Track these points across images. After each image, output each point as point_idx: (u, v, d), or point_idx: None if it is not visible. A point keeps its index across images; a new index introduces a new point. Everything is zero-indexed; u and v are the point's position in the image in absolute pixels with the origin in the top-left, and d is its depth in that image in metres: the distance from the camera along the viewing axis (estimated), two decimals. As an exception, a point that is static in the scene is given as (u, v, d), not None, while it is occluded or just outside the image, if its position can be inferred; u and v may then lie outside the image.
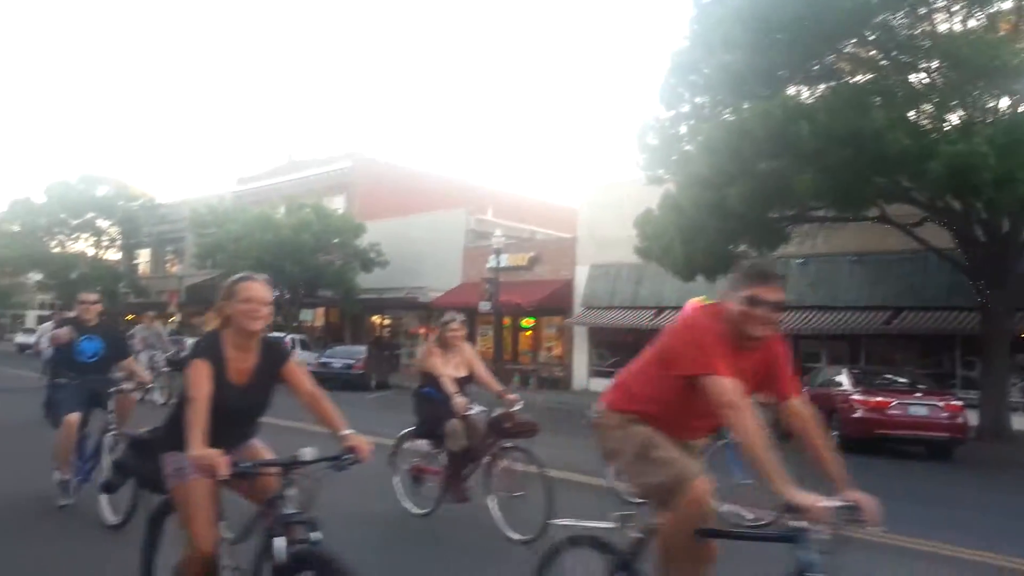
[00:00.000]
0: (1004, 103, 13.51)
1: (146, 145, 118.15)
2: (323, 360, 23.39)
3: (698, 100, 16.22)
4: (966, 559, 6.03)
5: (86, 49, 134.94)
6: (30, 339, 38.89)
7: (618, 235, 24.16)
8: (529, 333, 29.28)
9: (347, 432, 3.20)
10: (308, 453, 2.97)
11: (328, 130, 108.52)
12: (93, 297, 6.70)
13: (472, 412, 6.04)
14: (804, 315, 20.44)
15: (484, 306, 25.30)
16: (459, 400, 5.97)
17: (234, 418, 3.20)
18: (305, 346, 27.28)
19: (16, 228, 44.44)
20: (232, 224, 30.39)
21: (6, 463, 8.10)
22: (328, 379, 21.77)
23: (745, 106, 14.35)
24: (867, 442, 12.91)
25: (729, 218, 14.83)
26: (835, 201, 14.49)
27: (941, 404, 13.24)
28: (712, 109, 15.91)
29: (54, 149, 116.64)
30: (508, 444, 5.95)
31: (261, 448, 3.45)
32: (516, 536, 5.66)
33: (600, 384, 24.34)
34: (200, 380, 3.05)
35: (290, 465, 2.99)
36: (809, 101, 14.39)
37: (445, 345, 6.33)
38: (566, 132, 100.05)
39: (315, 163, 38.70)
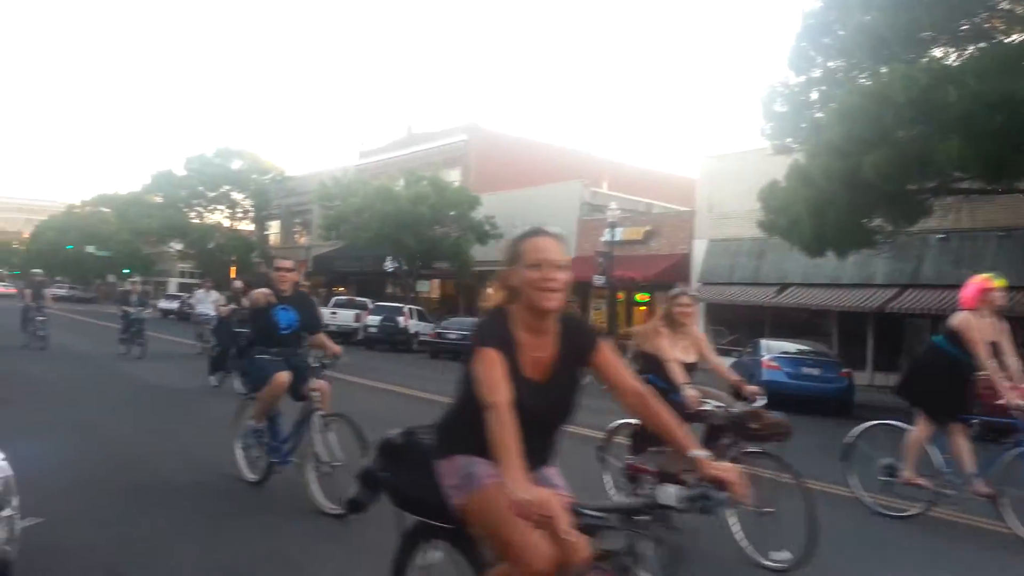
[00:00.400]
0: None
1: (278, 119, 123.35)
2: (439, 331, 23.89)
3: (831, 64, 15.27)
4: None
5: (227, 29, 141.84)
6: (172, 304, 42.05)
7: (739, 208, 23.39)
8: (644, 308, 28.83)
9: (702, 454, 2.32)
10: (672, 495, 2.15)
11: (447, 102, 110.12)
12: (289, 264, 6.12)
13: (707, 407, 5.11)
14: (944, 294, 19.12)
15: (598, 280, 25.11)
16: (690, 393, 5.04)
17: (532, 427, 2.30)
18: (422, 317, 27.99)
19: (159, 199, 47.63)
20: (354, 197, 31.33)
21: (179, 435, 7.95)
22: (444, 350, 22.33)
23: (884, 70, 13.40)
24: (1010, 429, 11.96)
25: (863, 190, 13.95)
26: (983, 171, 13.34)
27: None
28: (847, 73, 14.93)
29: (194, 122, 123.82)
30: (753, 449, 4.96)
31: (556, 478, 2.57)
32: (769, 563, 4.69)
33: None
34: (496, 377, 2.25)
35: (648, 511, 2.16)
36: (956, 64, 13.27)
37: (672, 323, 5.46)
38: (686, 101, 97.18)
39: (433, 136, 39.30)
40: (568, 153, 39.92)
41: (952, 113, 11.75)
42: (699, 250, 25.70)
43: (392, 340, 26.12)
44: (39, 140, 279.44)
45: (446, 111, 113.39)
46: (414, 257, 31.05)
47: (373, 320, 26.38)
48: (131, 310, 16.45)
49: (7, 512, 2.04)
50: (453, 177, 35.45)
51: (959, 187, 15.35)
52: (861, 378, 19.04)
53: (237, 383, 10.78)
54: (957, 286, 19.63)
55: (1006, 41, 13.30)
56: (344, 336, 24.65)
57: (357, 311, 27.66)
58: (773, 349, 15.77)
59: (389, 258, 31.46)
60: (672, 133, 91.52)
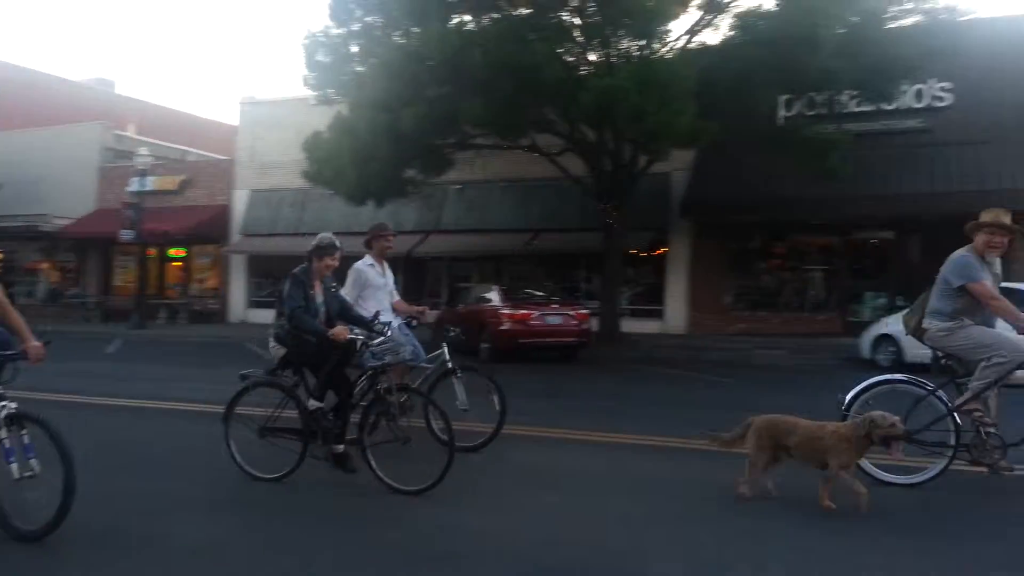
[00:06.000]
0: (638, 46, 14.72)
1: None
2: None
3: (369, 19, 15.91)
4: (595, 441, 6.97)
5: None
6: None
7: (282, 157, 23.13)
8: (179, 264, 27.08)
9: None
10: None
11: None
12: None
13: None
14: (459, 238, 21.77)
15: (126, 235, 22.69)
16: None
17: None
18: None
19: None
20: None
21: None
22: None
23: (415, 29, 14.60)
24: (514, 352, 14.22)
25: (403, 142, 15.12)
26: (497, 129, 15.47)
27: (572, 313, 15.27)
28: (384, 30, 15.74)
29: None
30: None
31: None
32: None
33: (259, 315, 23.41)
34: None
35: None
36: (478, 30, 14.88)
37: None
38: (225, 41, 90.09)
39: None
40: (86, 90, 35.03)
41: (478, 75, 13.39)
42: (240, 200, 25.00)
43: None
44: None
45: None
46: None
47: None
48: None
49: None
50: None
51: (475, 143, 17.44)
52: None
53: None
54: (469, 230, 22.36)
55: (514, 14, 15.21)
56: None
57: None
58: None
59: None
60: (211, 75, 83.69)
